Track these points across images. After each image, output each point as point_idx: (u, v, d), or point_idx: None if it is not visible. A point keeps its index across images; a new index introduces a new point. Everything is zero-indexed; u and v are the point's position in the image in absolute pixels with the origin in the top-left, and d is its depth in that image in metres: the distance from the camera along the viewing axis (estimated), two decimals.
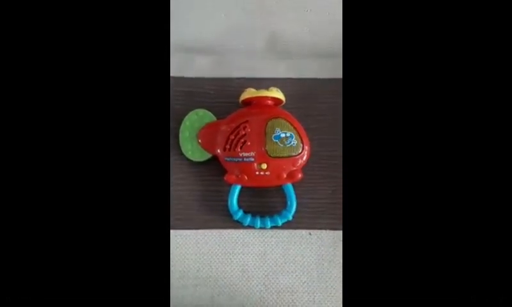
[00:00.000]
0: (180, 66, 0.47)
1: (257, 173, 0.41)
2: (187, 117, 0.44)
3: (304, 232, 0.43)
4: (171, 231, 0.42)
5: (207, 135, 0.43)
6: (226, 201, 0.42)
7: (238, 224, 0.42)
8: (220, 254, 0.42)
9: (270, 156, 0.41)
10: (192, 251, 0.42)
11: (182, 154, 0.44)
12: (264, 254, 0.42)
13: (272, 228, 0.42)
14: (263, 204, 0.44)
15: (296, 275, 0.42)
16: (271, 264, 0.42)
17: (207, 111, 0.45)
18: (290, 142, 0.41)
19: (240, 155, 0.41)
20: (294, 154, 0.41)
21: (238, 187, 0.42)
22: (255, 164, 0.41)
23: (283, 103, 0.44)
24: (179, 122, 0.44)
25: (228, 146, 0.41)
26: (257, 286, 0.42)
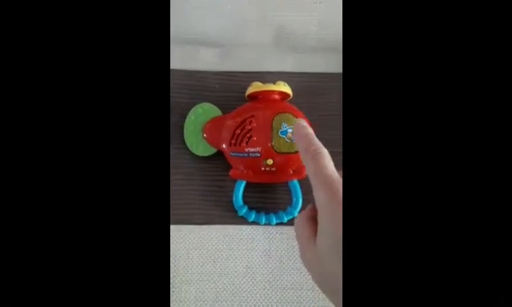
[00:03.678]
0: (185, 59, 0.48)
1: (263, 168, 0.42)
2: (192, 110, 0.45)
3: None
4: (175, 226, 0.44)
5: (212, 130, 0.44)
6: (231, 196, 0.44)
7: (243, 220, 0.44)
8: (224, 250, 0.44)
9: (276, 152, 0.41)
10: (196, 247, 0.44)
11: (186, 148, 0.45)
12: (269, 250, 0.44)
13: (277, 224, 0.43)
14: (268, 201, 0.45)
15: (301, 273, 0.43)
16: (275, 261, 0.43)
17: (212, 105, 0.45)
18: None
19: (246, 150, 0.42)
20: None
21: (243, 183, 0.43)
22: (261, 160, 0.42)
23: (290, 98, 0.45)
24: (184, 116, 0.45)
25: (233, 141, 0.42)
26: (261, 282, 0.43)
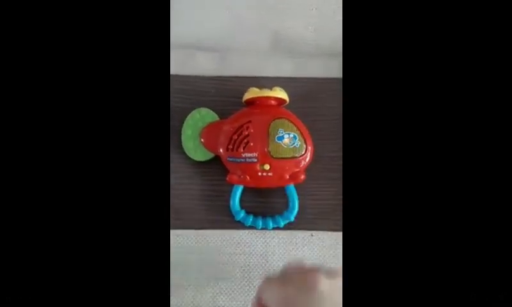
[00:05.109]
0: (181, 63, 0.48)
1: (260, 173, 0.42)
2: (189, 116, 0.46)
3: (305, 233, 0.44)
4: (173, 231, 0.44)
5: (209, 135, 0.45)
6: (228, 201, 0.44)
7: (240, 225, 0.44)
8: (222, 255, 0.44)
9: (273, 157, 0.42)
10: (194, 251, 0.44)
11: (184, 153, 0.45)
12: (266, 254, 0.44)
13: (274, 228, 0.44)
14: (265, 205, 0.45)
15: None
16: (272, 265, 0.44)
17: (209, 110, 0.46)
18: (294, 143, 0.42)
19: (243, 155, 0.42)
20: (297, 155, 0.42)
21: (240, 188, 0.44)
22: (258, 165, 0.42)
23: (286, 103, 0.45)
24: (180, 121, 0.46)
25: (230, 146, 0.43)
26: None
